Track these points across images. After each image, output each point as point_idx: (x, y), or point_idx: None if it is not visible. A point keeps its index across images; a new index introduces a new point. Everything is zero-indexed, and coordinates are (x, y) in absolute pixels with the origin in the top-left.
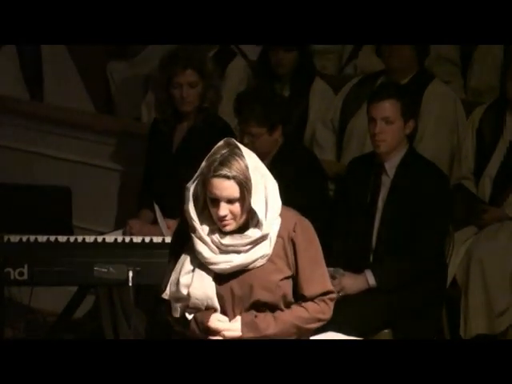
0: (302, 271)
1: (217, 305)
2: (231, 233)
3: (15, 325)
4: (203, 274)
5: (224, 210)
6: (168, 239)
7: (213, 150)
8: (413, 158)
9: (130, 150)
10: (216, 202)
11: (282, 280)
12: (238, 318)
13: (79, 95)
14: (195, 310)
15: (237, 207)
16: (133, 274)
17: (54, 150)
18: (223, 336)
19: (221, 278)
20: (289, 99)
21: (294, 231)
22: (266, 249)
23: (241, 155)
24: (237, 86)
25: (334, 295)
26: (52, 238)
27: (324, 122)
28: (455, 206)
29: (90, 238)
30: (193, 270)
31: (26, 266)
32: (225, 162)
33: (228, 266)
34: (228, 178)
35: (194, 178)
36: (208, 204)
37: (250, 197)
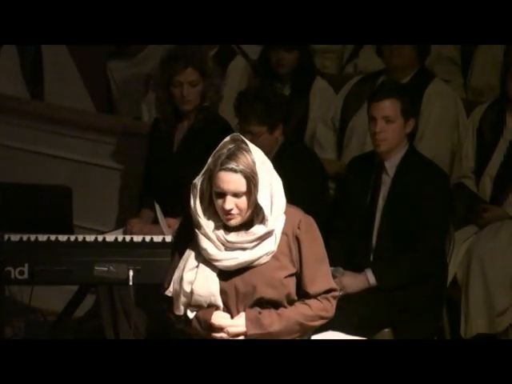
0: (306, 268)
1: (219, 302)
2: (236, 230)
3: (15, 324)
4: (207, 270)
5: (230, 203)
6: (168, 238)
7: (219, 146)
8: (413, 157)
9: (131, 150)
10: (222, 195)
11: (286, 277)
12: (242, 314)
13: (80, 95)
14: (197, 307)
15: (243, 201)
16: (133, 273)
17: (55, 150)
18: (227, 332)
19: (225, 274)
20: (289, 98)
21: (299, 228)
22: (271, 246)
23: (248, 150)
24: (237, 85)
25: (336, 293)
26: (52, 238)
27: (324, 121)
28: (456, 205)
29: (90, 238)
30: (197, 267)
31: (26, 265)
32: (232, 156)
33: (233, 263)
34: (235, 171)
35: (201, 174)
36: (214, 199)
37: (257, 191)
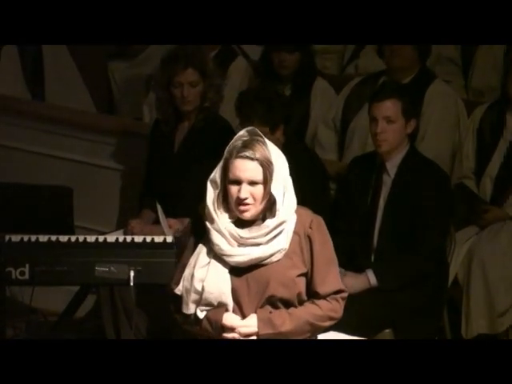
0: (316, 268)
1: (230, 301)
2: (249, 225)
3: (16, 324)
4: (219, 266)
5: (245, 192)
6: (169, 239)
7: (234, 138)
8: (414, 158)
9: (132, 150)
10: (238, 183)
11: (297, 276)
12: (254, 314)
13: (80, 95)
14: (207, 305)
15: (259, 190)
16: (134, 273)
17: (56, 150)
18: (239, 333)
19: (236, 272)
20: (290, 99)
21: (311, 228)
22: (283, 243)
23: (264, 142)
24: (238, 86)
25: (345, 294)
26: (53, 238)
27: (326, 122)
28: (456, 206)
29: (91, 238)
30: (208, 264)
31: (27, 266)
32: (248, 145)
33: (246, 259)
34: (251, 159)
35: (215, 170)
36: (228, 190)
37: (271, 182)
